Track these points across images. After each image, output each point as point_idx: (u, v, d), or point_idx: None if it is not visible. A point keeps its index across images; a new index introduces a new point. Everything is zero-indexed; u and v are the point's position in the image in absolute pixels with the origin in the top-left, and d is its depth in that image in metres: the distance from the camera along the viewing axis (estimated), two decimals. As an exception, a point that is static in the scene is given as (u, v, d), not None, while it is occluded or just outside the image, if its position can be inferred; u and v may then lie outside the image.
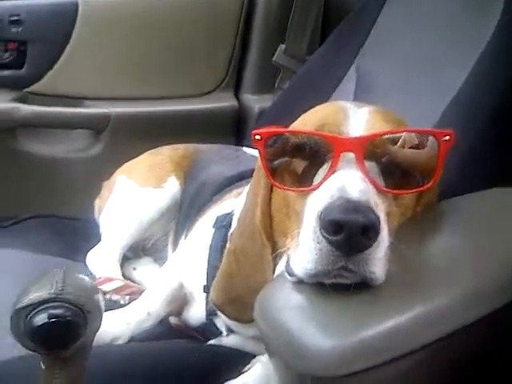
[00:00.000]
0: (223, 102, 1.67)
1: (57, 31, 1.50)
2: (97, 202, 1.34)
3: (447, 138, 0.61)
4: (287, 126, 0.72)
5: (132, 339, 0.92)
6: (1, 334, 0.82)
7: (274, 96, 1.61)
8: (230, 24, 1.66)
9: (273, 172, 0.67)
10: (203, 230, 0.99)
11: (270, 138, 0.66)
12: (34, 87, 1.50)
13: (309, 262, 0.56)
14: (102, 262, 1.19)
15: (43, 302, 0.47)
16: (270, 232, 0.73)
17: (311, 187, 0.63)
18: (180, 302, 0.97)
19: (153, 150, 1.38)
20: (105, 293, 1.06)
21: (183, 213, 1.25)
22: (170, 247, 1.25)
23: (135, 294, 1.05)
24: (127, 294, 1.07)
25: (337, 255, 0.54)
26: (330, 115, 0.68)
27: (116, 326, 0.90)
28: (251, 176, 0.82)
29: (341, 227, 0.53)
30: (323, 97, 1.22)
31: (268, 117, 1.49)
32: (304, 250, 0.57)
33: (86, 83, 1.56)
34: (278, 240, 0.72)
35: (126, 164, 1.35)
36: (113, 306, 1.04)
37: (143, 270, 1.24)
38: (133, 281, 1.21)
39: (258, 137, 0.65)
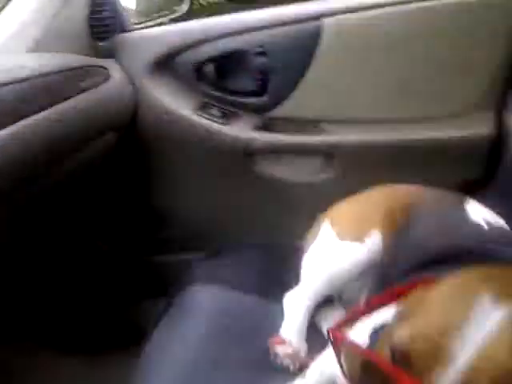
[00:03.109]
0: (478, 126, 1.44)
1: (298, 58, 1.51)
2: (307, 237, 1.35)
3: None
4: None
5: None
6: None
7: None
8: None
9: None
10: (362, 334, 0.92)
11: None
12: (274, 113, 1.55)
13: None
14: (290, 311, 1.22)
15: None
16: None
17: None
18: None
19: (365, 193, 1.31)
20: (276, 354, 1.11)
21: (378, 276, 1.17)
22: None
23: (304, 366, 1.06)
24: (297, 362, 1.09)
25: None
26: (442, 315, 0.54)
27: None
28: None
29: None
30: None
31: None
32: None
33: (323, 107, 1.54)
34: None
35: (335, 207, 1.32)
36: (283, 369, 1.09)
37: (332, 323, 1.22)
38: (321, 331, 1.21)
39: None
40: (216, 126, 1.51)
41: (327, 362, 0.96)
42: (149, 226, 1.64)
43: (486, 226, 1.13)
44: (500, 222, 1.15)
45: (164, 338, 1.17)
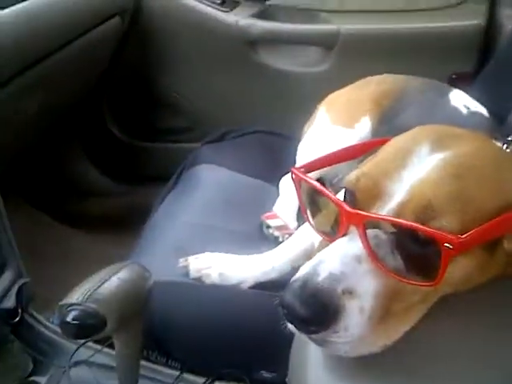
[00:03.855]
0: (469, 17, 1.47)
1: None
2: (305, 126, 1.44)
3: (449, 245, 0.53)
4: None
5: (257, 285, 1.06)
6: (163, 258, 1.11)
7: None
8: None
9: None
10: None
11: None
12: (274, 0, 1.61)
13: None
14: (286, 192, 1.33)
15: (71, 305, 0.68)
16: None
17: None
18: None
19: (360, 82, 1.38)
20: (268, 226, 1.23)
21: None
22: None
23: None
24: (286, 233, 1.21)
25: None
26: (386, 159, 0.63)
27: (242, 272, 1.06)
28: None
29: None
30: None
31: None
32: None
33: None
34: None
35: (331, 95, 1.39)
36: (273, 240, 1.21)
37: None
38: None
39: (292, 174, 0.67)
40: (216, 12, 1.56)
41: (308, 231, 1.08)
42: (154, 114, 1.73)
43: (464, 112, 1.20)
44: (480, 109, 1.22)
45: (168, 208, 1.29)
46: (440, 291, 0.57)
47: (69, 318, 0.67)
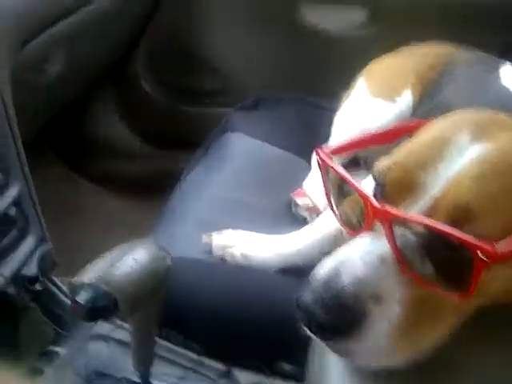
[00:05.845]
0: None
1: None
2: (345, 95, 1.36)
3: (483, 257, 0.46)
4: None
5: (279, 269, 1.01)
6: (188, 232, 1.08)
7: None
8: None
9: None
10: None
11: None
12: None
13: None
14: (317, 168, 1.26)
15: (82, 285, 0.66)
16: None
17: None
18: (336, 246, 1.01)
19: (404, 50, 1.29)
20: (297, 205, 1.18)
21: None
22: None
23: (320, 218, 1.13)
24: (314, 214, 1.16)
25: None
26: (421, 148, 0.57)
27: (266, 253, 1.02)
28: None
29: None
30: None
31: None
32: None
33: None
34: None
35: (372, 62, 1.31)
36: (301, 220, 1.16)
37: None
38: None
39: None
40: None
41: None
42: (189, 75, 1.67)
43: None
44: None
45: (196, 178, 1.26)
46: (474, 303, 0.52)
47: (79, 298, 0.65)
